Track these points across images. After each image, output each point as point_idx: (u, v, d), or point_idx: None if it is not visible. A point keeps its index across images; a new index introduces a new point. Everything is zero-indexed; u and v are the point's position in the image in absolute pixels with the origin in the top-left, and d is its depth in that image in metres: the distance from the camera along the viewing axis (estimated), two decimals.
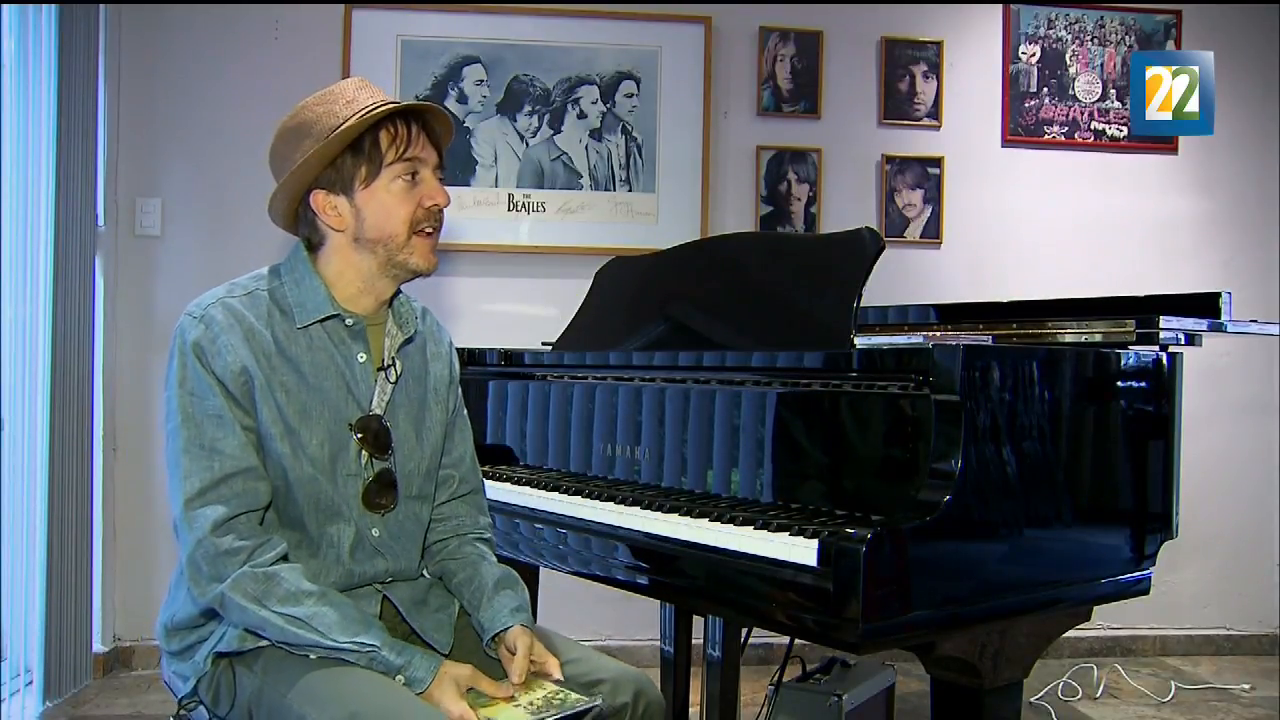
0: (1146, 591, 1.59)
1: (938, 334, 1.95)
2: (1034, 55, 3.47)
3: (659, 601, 2.06)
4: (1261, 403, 3.54)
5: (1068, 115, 3.48)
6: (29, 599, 2.68)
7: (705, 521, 1.49)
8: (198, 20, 3.17)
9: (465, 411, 1.62)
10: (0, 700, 2.65)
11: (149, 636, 3.12)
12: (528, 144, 3.28)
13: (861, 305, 1.60)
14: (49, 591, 2.70)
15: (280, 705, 1.27)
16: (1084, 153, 3.49)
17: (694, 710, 2.22)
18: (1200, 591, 3.54)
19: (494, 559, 1.55)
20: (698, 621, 2.11)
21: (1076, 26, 3.48)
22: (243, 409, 1.34)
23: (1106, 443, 1.56)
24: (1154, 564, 1.59)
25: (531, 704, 1.33)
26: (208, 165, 3.18)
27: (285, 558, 1.33)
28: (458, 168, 3.21)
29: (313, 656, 1.29)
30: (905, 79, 3.41)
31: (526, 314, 3.27)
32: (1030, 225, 3.47)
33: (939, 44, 3.41)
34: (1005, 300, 2.18)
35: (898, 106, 3.41)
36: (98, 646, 3.05)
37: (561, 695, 1.35)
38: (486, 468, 1.72)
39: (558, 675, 1.37)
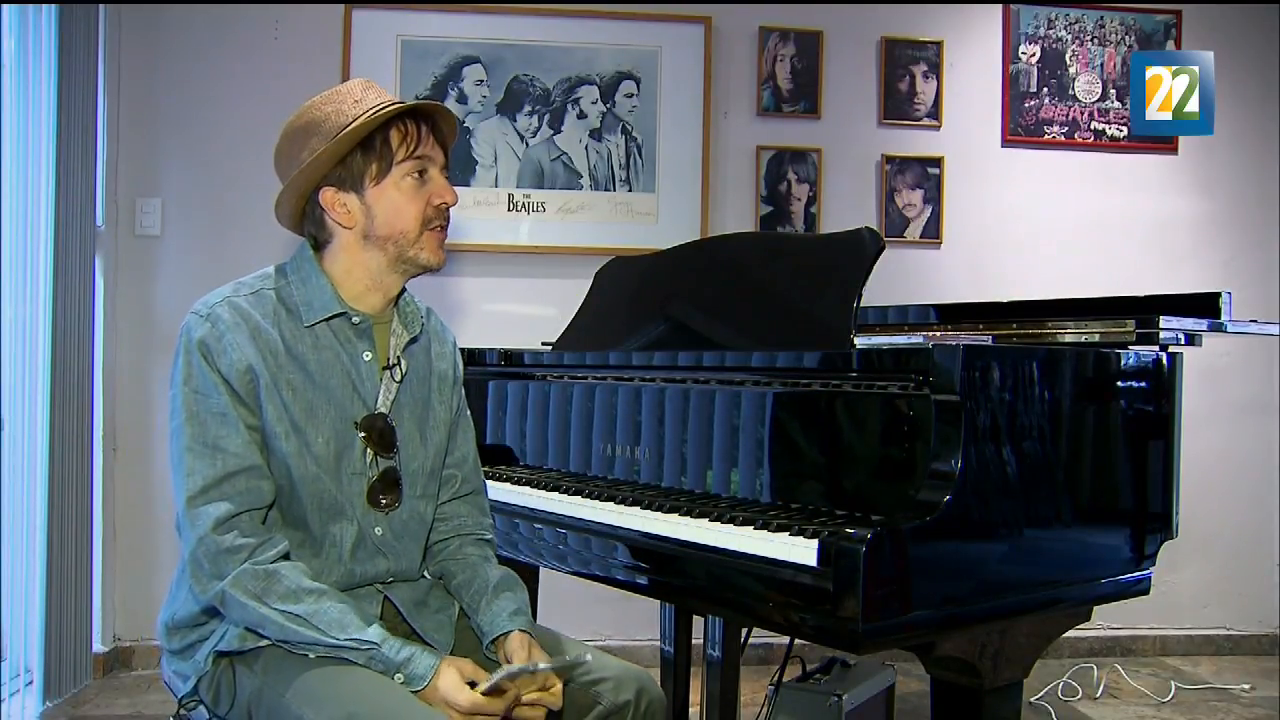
0: (1146, 591, 1.59)
1: (938, 334, 1.95)
2: (1034, 55, 3.47)
3: (659, 601, 2.06)
4: (1261, 403, 3.54)
5: (1068, 115, 3.48)
6: (29, 599, 2.68)
7: (705, 521, 1.49)
8: (198, 20, 3.18)
9: (469, 412, 1.62)
10: (0, 700, 2.65)
11: (149, 636, 3.12)
12: (528, 144, 3.28)
13: (861, 305, 1.60)
14: (49, 591, 2.70)
15: (279, 705, 1.27)
16: (1084, 153, 3.49)
17: (694, 710, 2.22)
18: (1200, 591, 3.54)
19: (495, 561, 1.55)
20: (698, 621, 2.12)
21: (1076, 26, 3.49)
22: (247, 408, 1.34)
23: (1106, 443, 1.56)
24: (1154, 564, 1.59)
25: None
26: (208, 165, 3.18)
27: (287, 556, 1.33)
28: (458, 168, 3.21)
29: (312, 655, 1.29)
30: (905, 79, 3.41)
31: (526, 314, 3.27)
32: (1030, 225, 3.47)
33: (939, 44, 3.41)
34: (1005, 300, 2.17)
35: (898, 106, 3.41)
36: (98, 646, 3.05)
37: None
38: (486, 468, 1.72)
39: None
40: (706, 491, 1.67)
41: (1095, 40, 3.49)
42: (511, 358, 2.19)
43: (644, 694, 1.41)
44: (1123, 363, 1.60)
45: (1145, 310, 1.77)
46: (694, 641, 2.17)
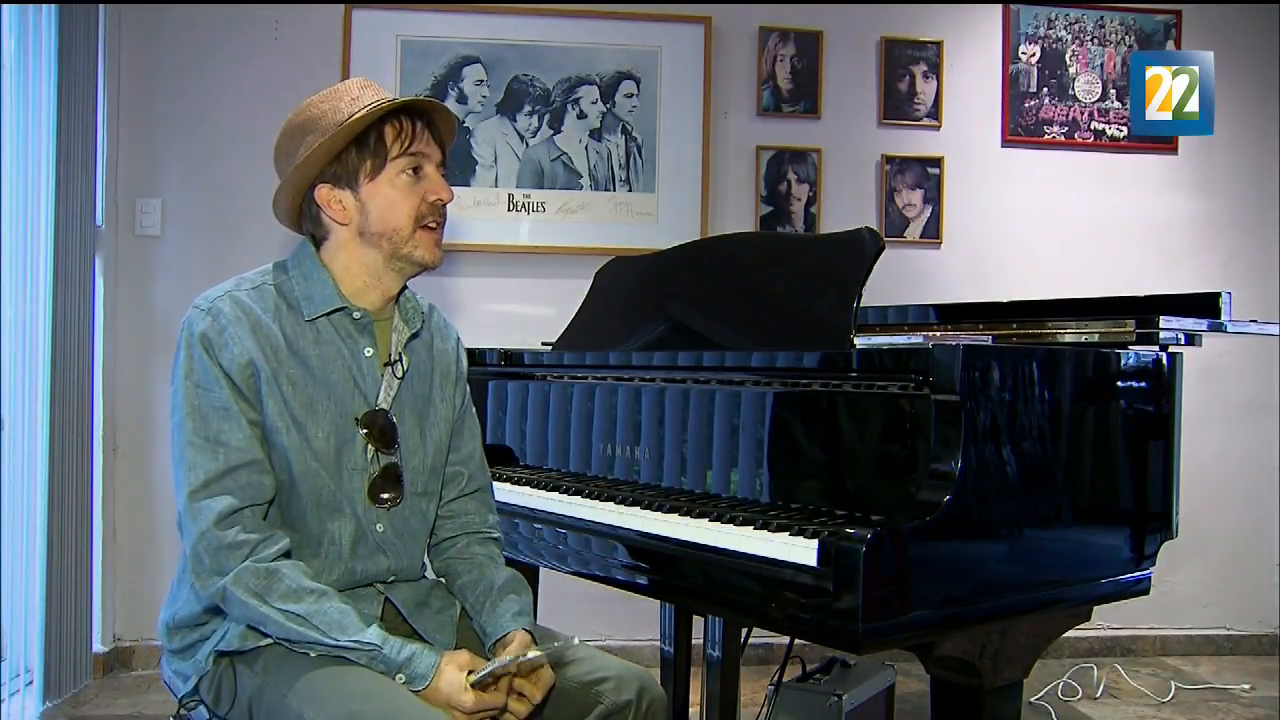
0: (1146, 591, 1.59)
1: (938, 334, 1.95)
2: (1034, 55, 3.47)
3: (659, 601, 2.06)
4: (1261, 402, 3.54)
5: (1068, 115, 3.48)
6: (29, 599, 2.68)
7: (705, 521, 1.49)
8: (198, 20, 3.17)
9: (474, 409, 1.62)
10: (0, 700, 2.65)
11: (149, 636, 3.12)
12: (528, 144, 3.28)
13: (861, 305, 1.60)
14: (49, 591, 2.70)
15: (280, 705, 1.27)
16: (1084, 153, 3.49)
17: (694, 710, 2.22)
18: (1200, 591, 3.54)
19: (502, 561, 1.56)
20: (698, 621, 2.12)
21: (1076, 26, 3.49)
22: (248, 402, 1.34)
23: (1106, 443, 1.56)
24: (1154, 564, 1.59)
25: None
26: (208, 165, 3.18)
27: (288, 554, 1.33)
28: (458, 168, 3.21)
29: (313, 654, 1.29)
30: (905, 79, 3.41)
31: (526, 314, 3.27)
32: (1030, 225, 3.47)
33: (939, 44, 3.41)
34: (1005, 300, 2.17)
35: (897, 106, 3.41)
36: (98, 646, 3.04)
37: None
38: None
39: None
40: (706, 491, 1.67)
41: (1095, 40, 3.49)
42: (511, 358, 2.19)
43: (645, 693, 1.41)
44: (1123, 363, 1.61)
45: (1145, 310, 1.77)
46: (694, 641, 2.17)
